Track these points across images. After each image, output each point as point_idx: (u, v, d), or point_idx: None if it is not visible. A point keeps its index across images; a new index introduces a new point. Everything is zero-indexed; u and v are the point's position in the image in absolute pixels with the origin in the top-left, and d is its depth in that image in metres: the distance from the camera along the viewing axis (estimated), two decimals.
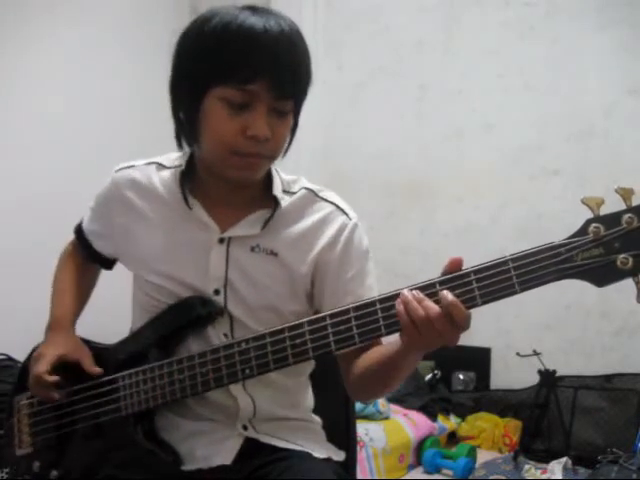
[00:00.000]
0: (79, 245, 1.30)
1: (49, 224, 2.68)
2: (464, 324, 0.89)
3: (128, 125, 3.05)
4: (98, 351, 1.20)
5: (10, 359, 2.36)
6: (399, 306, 0.91)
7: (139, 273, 1.18)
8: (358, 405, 1.94)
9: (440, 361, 3.39)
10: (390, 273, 3.03)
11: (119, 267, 1.28)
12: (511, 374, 3.30)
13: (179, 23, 1.09)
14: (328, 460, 1.18)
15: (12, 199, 2.61)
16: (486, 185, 3.42)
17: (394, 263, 3.35)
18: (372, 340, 0.98)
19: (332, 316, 0.97)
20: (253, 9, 1.02)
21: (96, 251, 1.28)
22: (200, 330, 1.12)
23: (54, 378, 1.13)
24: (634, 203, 0.85)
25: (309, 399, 1.26)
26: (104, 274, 1.35)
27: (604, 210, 0.86)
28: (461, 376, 3.42)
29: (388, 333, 0.95)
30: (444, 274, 0.91)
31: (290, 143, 1.12)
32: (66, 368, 1.16)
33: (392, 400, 3.10)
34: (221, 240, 1.12)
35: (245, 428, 1.15)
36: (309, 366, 1.22)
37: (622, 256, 0.84)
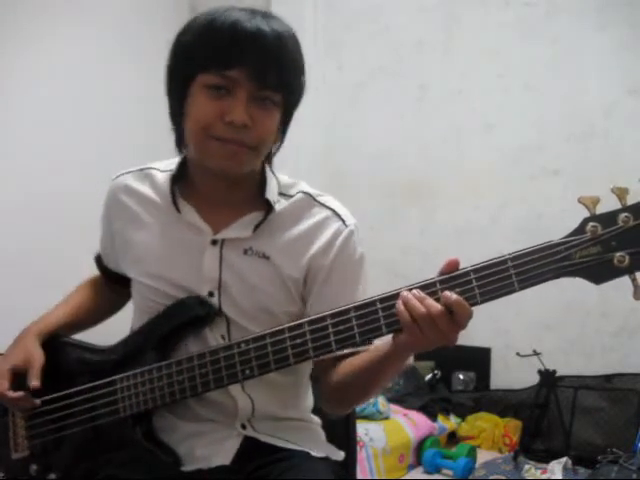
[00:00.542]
0: (97, 268, 1.32)
1: (49, 224, 2.69)
2: (465, 322, 0.89)
3: (128, 125, 3.05)
4: (95, 353, 1.20)
5: None
6: (400, 306, 0.91)
7: (135, 276, 1.18)
8: None
9: (440, 361, 3.39)
10: (390, 273, 3.03)
11: None
12: (511, 374, 3.29)
13: (179, 23, 1.10)
14: (327, 459, 1.18)
15: (12, 199, 2.61)
16: (486, 185, 3.42)
17: (394, 263, 3.36)
18: (373, 339, 0.98)
19: (333, 316, 0.97)
20: (250, 11, 1.04)
21: (109, 269, 1.28)
22: (198, 331, 1.12)
23: (17, 394, 1.12)
24: (629, 202, 0.86)
25: (309, 399, 1.26)
26: None
27: (600, 209, 0.88)
28: (461, 376, 3.42)
29: (389, 332, 0.95)
30: (441, 275, 0.92)
31: (282, 141, 1.12)
32: (58, 370, 1.16)
33: (392, 400, 3.10)
34: (214, 242, 1.12)
35: (244, 427, 1.15)
36: (308, 366, 1.22)
37: (619, 254, 0.86)
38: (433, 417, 3.11)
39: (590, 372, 3.08)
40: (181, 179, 1.14)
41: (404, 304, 0.91)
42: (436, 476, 2.86)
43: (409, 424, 2.97)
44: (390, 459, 2.78)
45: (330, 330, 0.97)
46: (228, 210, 1.12)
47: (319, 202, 1.15)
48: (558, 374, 3.00)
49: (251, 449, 1.13)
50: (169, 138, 1.15)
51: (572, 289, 2.99)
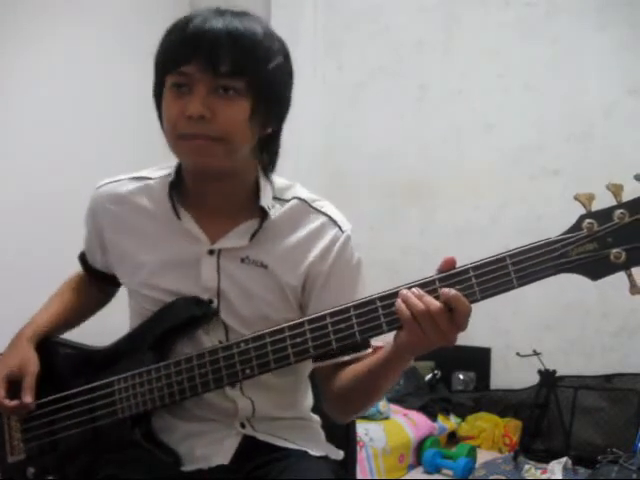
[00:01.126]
0: (82, 267, 1.31)
1: (49, 225, 2.69)
2: (464, 320, 0.89)
3: (128, 125, 3.05)
4: (90, 354, 1.19)
5: None
6: (399, 303, 0.91)
7: (132, 287, 1.18)
8: None
9: (440, 361, 3.39)
10: (390, 273, 3.02)
11: None
12: (511, 374, 3.30)
13: None
14: (326, 459, 1.18)
15: (12, 199, 2.61)
16: (486, 185, 3.42)
17: (394, 263, 3.35)
18: (374, 337, 0.98)
19: (332, 315, 0.98)
20: (221, 11, 1.04)
21: (94, 268, 1.27)
22: (194, 331, 1.11)
23: (13, 403, 1.12)
24: (624, 199, 0.88)
25: (308, 399, 1.26)
26: None
27: (597, 207, 0.89)
28: (461, 376, 3.42)
29: (389, 330, 0.95)
30: (439, 273, 0.92)
31: (276, 132, 1.10)
32: (53, 372, 1.16)
33: (392, 400, 3.10)
34: (211, 252, 1.11)
35: (243, 426, 1.15)
36: (308, 366, 1.22)
37: (615, 250, 0.87)
38: (433, 417, 3.11)
39: (590, 372, 3.08)
40: (177, 186, 1.13)
41: (404, 301, 0.91)
42: (436, 476, 2.86)
43: (409, 424, 2.97)
44: (390, 459, 2.78)
45: (330, 329, 0.97)
46: (224, 218, 1.12)
47: (314, 208, 1.14)
48: (558, 374, 3.00)
49: (250, 448, 1.13)
50: None
51: (572, 289, 3.02)
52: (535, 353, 2.99)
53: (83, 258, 1.29)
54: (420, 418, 3.05)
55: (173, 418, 1.15)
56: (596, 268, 0.88)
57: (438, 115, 3.54)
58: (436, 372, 3.38)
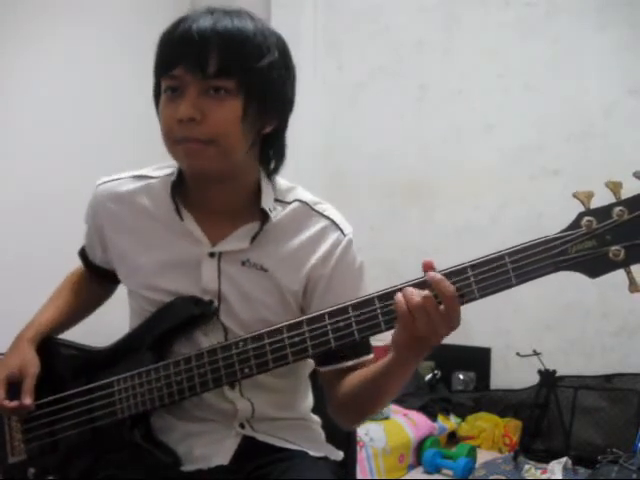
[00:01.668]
0: (82, 262, 1.30)
1: (49, 225, 2.69)
2: (452, 306, 0.88)
3: (128, 125, 3.05)
4: (90, 354, 1.19)
5: None
6: (399, 297, 0.90)
7: (132, 287, 1.18)
8: None
9: (440, 361, 3.39)
10: (390, 273, 3.03)
11: None
12: (511, 374, 3.29)
13: None
14: (326, 459, 1.18)
15: (12, 199, 2.61)
16: (486, 185, 3.42)
17: (394, 263, 3.35)
18: (372, 336, 0.98)
19: (331, 314, 0.98)
20: (212, 10, 1.02)
21: (94, 264, 1.27)
22: (193, 331, 1.11)
23: (13, 404, 1.12)
24: (623, 196, 0.87)
25: (308, 399, 1.26)
26: None
27: (596, 205, 0.89)
28: (461, 376, 3.41)
29: (387, 328, 0.95)
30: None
31: (260, 132, 1.06)
32: (54, 373, 1.16)
33: (392, 400, 3.09)
34: (211, 254, 1.11)
35: (242, 427, 1.15)
36: (308, 367, 1.22)
37: (614, 248, 0.87)
38: (433, 417, 3.11)
39: (590, 372, 3.08)
40: (178, 186, 1.13)
41: (403, 295, 0.90)
42: (436, 476, 2.86)
43: (409, 424, 2.97)
44: (390, 459, 2.78)
45: (328, 328, 0.97)
46: (225, 220, 1.11)
47: (316, 211, 1.13)
48: (558, 374, 3.00)
49: (250, 449, 1.13)
50: None
51: (572, 289, 3.02)
52: (535, 353, 2.99)
53: (83, 254, 1.29)
54: (420, 418, 3.05)
55: (172, 418, 1.15)
56: (595, 266, 0.88)
57: (438, 115, 3.54)
58: (436, 372, 3.38)
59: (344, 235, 1.12)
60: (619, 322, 3.11)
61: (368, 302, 0.96)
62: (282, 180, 1.17)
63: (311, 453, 1.17)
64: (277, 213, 1.11)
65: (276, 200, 1.13)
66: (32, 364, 1.16)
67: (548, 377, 2.99)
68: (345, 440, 1.32)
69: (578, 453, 2.78)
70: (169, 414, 1.15)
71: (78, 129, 2.88)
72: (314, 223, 1.12)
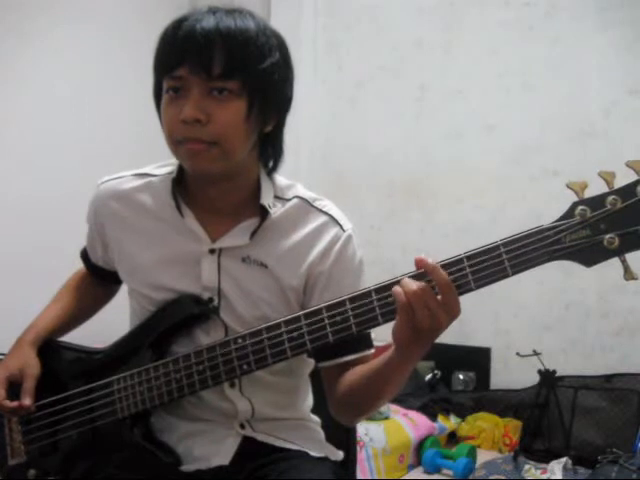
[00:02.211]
0: (83, 263, 1.31)
1: (49, 225, 2.69)
2: (447, 292, 0.88)
3: (128, 125, 3.05)
4: (90, 355, 1.19)
5: None
6: (397, 288, 0.91)
7: (132, 286, 1.18)
8: None
9: (440, 361, 3.39)
10: (390, 273, 3.02)
11: None
12: (511, 374, 3.29)
13: None
14: (326, 459, 1.18)
15: (12, 199, 2.61)
16: (486, 185, 3.42)
17: (394, 263, 3.35)
18: (369, 329, 0.98)
19: (328, 308, 0.98)
20: (214, 10, 1.02)
21: (95, 265, 1.27)
22: (192, 330, 1.11)
23: (13, 404, 1.12)
24: (616, 186, 0.88)
25: (308, 399, 1.26)
26: None
27: (589, 194, 0.89)
28: (461, 376, 3.41)
29: (385, 321, 0.95)
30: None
31: (261, 131, 1.06)
32: (54, 374, 1.17)
33: (392, 400, 3.09)
34: (211, 251, 1.11)
35: (242, 427, 1.15)
36: (308, 367, 1.22)
37: (608, 236, 0.87)
38: (433, 417, 3.11)
39: (590, 372, 3.08)
40: (179, 183, 1.13)
41: (400, 286, 0.90)
42: (436, 476, 2.85)
43: (409, 424, 2.97)
44: (390, 459, 2.78)
45: (327, 322, 0.97)
46: (225, 217, 1.11)
47: (316, 207, 1.14)
48: (558, 374, 3.00)
49: (250, 449, 1.13)
50: None
51: (572, 289, 3.02)
52: (535, 353, 2.99)
53: (85, 255, 1.29)
54: (420, 418, 3.04)
55: (172, 418, 1.15)
56: (590, 254, 0.89)
57: (438, 115, 3.54)
58: (436, 372, 3.38)
59: (343, 231, 1.12)
60: (619, 322, 3.11)
61: (365, 295, 0.96)
62: (281, 177, 1.17)
63: (311, 453, 1.17)
64: (277, 210, 1.12)
65: (275, 197, 1.13)
66: (32, 366, 1.16)
67: (548, 377, 2.99)
68: (345, 440, 1.32)
69: (578, 453, 2.77)
70: (169, 414, 1.15)
71: (78, 129, 2.88)
72: (313, 219, 1.13)
